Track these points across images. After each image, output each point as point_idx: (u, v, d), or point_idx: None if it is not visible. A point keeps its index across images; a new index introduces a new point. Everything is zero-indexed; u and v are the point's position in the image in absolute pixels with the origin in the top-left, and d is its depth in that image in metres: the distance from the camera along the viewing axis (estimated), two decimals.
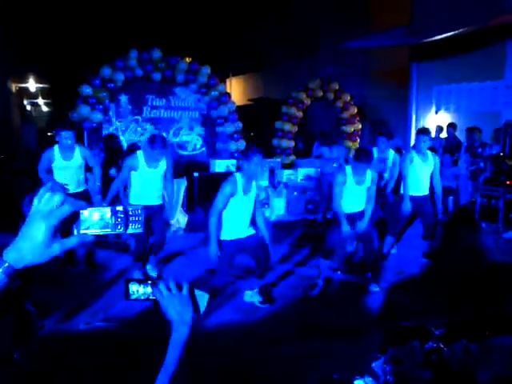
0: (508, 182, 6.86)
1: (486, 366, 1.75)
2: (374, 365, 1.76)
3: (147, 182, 4.55)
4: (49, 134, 10.38)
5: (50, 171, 4.81)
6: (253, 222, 4.08)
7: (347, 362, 2.65)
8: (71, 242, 0.78)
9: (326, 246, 4.56)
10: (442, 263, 5.26)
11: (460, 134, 8.19)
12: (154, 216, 4.59)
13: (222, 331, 3.60)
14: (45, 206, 0.76)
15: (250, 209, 4.00)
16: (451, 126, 8.29)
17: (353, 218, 4.39)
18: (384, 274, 4.85)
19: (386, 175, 5.65)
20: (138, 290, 1.24)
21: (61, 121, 6.53)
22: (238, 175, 3.88)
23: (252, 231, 4.04)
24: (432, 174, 5.16)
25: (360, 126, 10.52)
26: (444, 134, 8.72)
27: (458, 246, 6.02)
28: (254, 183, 3.95)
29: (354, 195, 4.40)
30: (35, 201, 0.78)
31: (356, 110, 10.37)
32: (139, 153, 4.59)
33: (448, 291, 4.29)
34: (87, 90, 7.65)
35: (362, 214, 4.45)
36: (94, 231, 0.77)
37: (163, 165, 4.61)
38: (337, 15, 11.79)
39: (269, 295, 4.25)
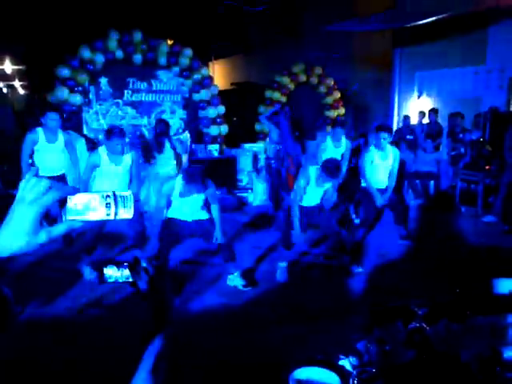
0: (487, 167, 6.98)
1: (468, 346, 1.78)
2: (358, 345, 1.78)
3: (111, 180, 4.23)
4: (28, 119, 10.12)
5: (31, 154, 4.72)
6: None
7: (332, 343, 2.67)
8: (59, 229, 0.74)
9: (283, 237, 4.71)
10: (423, 246, 5.34)
11: (442, 120, 8.26)
12: None
13: (207, 314, 3.59)
14: (30, 192, 0.72)
15: (196, 204, 4.01)
16: (433, 111, 8.36)
17: (310, 211, 4.56)
18: (366, 256, 4.90)
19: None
20: (114, 273, 1.21)
21: (38, 103, 6.35)
22: (178, 177, 3.89)
23: (200, 216, 4.05)
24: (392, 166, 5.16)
25: (343, 111, 10.52)
26: (426, 120, 8.79)
27: (438, 229, 6.13)
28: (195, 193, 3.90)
29: (314, 193, 4.56)
30: (20, 187, 0.73)
31: (339, 95, 10.35)
32: (100, 148, 4.27)
33: (429, 272, 4.37)
34: (65, 71, 7.44)
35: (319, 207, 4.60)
36: (83, 217, 0.74)
37: (128, 160, 4.31)
38: None
39: (251, 278, 4.25)
